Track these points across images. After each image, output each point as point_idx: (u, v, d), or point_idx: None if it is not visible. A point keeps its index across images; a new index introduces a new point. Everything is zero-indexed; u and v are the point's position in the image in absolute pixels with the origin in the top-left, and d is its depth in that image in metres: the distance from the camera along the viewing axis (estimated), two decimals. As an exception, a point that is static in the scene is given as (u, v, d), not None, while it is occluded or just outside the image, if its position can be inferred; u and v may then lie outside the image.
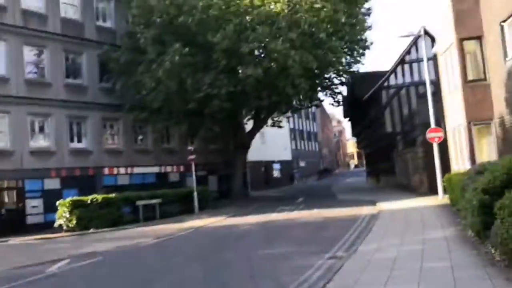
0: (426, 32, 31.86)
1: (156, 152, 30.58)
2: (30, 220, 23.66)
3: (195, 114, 26.97)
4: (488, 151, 16.44)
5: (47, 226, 22.33)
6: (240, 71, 25.42)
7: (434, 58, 31.16)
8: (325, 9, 25.20)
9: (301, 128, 66.46)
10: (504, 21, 14.67)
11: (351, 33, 28.02)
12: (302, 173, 60.62)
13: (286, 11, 24.57)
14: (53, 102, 25.16)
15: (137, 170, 28.96)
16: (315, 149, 73.91)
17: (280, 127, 38.75)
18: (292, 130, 58.71)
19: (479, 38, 16.40)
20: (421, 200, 19.16)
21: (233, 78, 25.61)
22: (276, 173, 51.99)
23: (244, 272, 9.26)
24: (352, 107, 38.55)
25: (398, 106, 31.14)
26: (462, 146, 17.05)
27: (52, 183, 24.72)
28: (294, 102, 33.04)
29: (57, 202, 21.61)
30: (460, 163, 17.72)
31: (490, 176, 8.75)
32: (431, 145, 23.26)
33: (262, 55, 26.04)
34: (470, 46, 16.57)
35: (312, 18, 24.99)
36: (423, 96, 30.07)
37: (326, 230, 14.35)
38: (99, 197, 21.76)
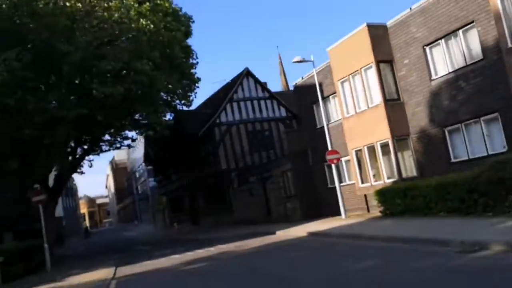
0: (250, 74, 33.62)
1: None
2: None
3: (30, 145, 20.56)
4: (408, 164, 17.86)
5: None
6: (94, 90, 20.75)
7: (270, 98, 32.82)
8: (174, 32, 23.51)
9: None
10: (427, 45, 16.63)
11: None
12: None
13: (152, 26, 21.72)
14: None
15: None
16: (73, 206, 65.99)
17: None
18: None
19: (390, 62, 18.08)
20: (329, 222, 18.91)
21: (86, 99, 20.86)
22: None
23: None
24: (163, 149, 36.30)
25: (231, 143, 31.01)
26: (381, 162, 17.97)
27: None
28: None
29: None
30: (370, 180, 18.59)
31: None
32: (300, 174, 23.91)
33: (122, 76, 22.00)
34: (383, 68, 18.05)
35: (170, 38, 22.94)
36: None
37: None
38: None
